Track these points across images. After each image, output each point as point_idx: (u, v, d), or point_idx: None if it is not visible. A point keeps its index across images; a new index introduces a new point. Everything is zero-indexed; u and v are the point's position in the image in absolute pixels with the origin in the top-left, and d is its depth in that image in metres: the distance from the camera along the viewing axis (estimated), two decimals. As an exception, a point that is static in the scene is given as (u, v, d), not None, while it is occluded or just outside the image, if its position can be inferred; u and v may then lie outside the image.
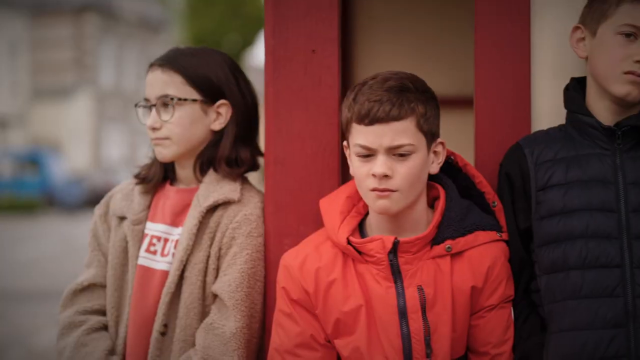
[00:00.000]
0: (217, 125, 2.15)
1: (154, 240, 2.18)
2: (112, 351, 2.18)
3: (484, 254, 1.93)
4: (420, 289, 1.89)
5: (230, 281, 2.04)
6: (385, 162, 1.85)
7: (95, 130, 36.82)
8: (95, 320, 2.22)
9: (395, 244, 1.88)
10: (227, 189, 2.11)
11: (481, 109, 2.08)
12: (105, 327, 2.23)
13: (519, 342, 1.95)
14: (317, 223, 2.04)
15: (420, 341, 1.88)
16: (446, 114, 2.05)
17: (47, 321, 9.29)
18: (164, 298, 2.10)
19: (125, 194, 2.26)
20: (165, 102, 2.15)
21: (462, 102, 3.29)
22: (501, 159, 2.04)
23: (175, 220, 2.17)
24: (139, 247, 2.20)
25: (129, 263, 2.21)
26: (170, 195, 2.20)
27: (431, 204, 1.99)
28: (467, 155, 2.05)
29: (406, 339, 1.88)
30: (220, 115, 2.15)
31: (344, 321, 1.91)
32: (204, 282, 2.09)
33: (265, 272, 2.10)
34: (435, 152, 1.92)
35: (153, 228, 2.20)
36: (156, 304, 2.13)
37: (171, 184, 2.23)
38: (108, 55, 38.32)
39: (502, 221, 1.98)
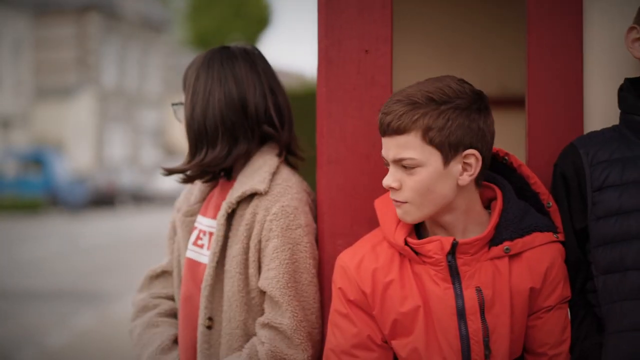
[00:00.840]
0: None
1: (201, 235, 2.20)
2: (177, 340, 2.22)
3: (542, 256, 1.92)
4: (478, 290, 1.88)
5: (278, 277, 2.03)
6: (394, 174, 1.87)
7: (98, 130, 36.83)
8: (168, 305, 2.30)
9: (454, 245, 1.87)
10: (257, 180, 2.10)
11: (533, 110, 2.08)
12: (176, 314, 2.28)
13: (576, 343, 1.95)
14: (371, 223, 2.04)
15: (479, 342, 1.88)
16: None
17: (56, 320, 9.30)
18: (203, 291, 2.12)
19: (190, 188, 2.32)
20: None
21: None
22: (553, 159, 2.03)
23: (216, 213, 2.18)
24: (189, 239, 2.23)
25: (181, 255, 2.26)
26: (218, 189, 2.23)
27: (487, 205, 1.98)
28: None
29: (465, 340, 1.88)
30: None
31: (402, 322, 1.91)
32: (246, 274, 2.09)
33: (319, 271, 2.09)
34: (465, 164, 1.86)
35: (202, 222, 2.22)
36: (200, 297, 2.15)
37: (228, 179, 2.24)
38: (110, 55, 38.32)
39: (557, 222, 1.98)
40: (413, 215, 1.89)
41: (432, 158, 1.84)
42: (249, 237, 2.09)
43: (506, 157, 2.00)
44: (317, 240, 2.11)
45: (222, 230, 2.11)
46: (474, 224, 1.93)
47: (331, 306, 1.99)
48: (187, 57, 44.50)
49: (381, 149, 2.03)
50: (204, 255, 2.17)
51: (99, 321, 9.17)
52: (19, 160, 28.85)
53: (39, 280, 12.45)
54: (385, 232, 1.95)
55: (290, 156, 2.23)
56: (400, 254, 1.93)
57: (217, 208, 2.17)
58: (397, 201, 1.89)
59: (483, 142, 1.86)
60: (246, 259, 2.09)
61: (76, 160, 33.60)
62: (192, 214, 2.24)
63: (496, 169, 2.01)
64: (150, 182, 33.14)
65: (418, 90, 1.85)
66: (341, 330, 1.95)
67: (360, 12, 2.05)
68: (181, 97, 2.24)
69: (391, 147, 1.86)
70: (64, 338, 8.49)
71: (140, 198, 31.95)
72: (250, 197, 2.11)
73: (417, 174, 1.85)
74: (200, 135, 2.13)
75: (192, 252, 2.21)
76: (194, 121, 2.14)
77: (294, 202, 2.08)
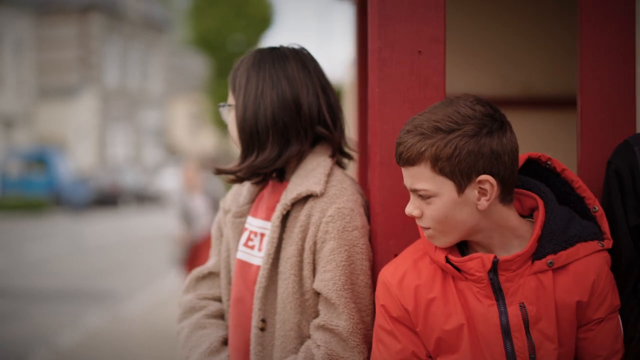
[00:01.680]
0: None
1: (252, 236, 2.19)
2: (226, 341, 2.22)
3: (588, 267, 1.87)
4: (522, 306, 1.84)
5: (335, 279, 2.02)
6: (414, 202, 1.87)
7: (100, 130, 36.82)
8: (216, 307, 2.29)
9: (495, 263, 1.84)
10: (312, 182, 2.09)
11: (586, 110, 2.07)
12: (223, 316, 2.27)
13: (632, 341, 1.92)
14: (423, 224, 2.04)
15: (526, 359, 1.84)
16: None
17: (67, 320, 9.30)
18: (257, 293, 2.10)
19: (237, 189, 2.31)
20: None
21: (504, 103, 3.24)
22: (605, 159, 2.03)
23: (269, 215, 2.17)
24: (239, 240, 2.22)
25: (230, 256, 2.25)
26: (271, 190, 2.21)
27: (529, 214, 1.95)
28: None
29: (511, 357, 1.84)
30: None
31: (446, 340, 1.88)
32: (300, 276, 2.08)
33: (372, 273, 2.08)
34: (481, 189, 1.83)
35: (253, 223, 2.21)
36: (253, 299, 2.14)
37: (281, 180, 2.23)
38: (112, 55, 38.32)
39: (604, 227, 1.93)
40: (439, 240, 1.89)
41: (445, 187, 1.82)
42: (303, 239, 2.08)
43: (549, 162, 1.97)
44: (370, 241, 2.10)
45: (277, 232, 2.09)
46: (513, 238, 1.89)
47: (375, 322, 1.97)
48: (189, 57, 44.48)
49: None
50: (255, 257, 2.16)
51: (109, 321, 9.17)
52: (23, 160, 28.85)
53: (47, 280, 12.45)
54: (426, 248, 1.93)
55: (339, 156, 2.22)
56: (443, 269, 1.91)
57: (269, 209, 2.17)
58: (422, 227, 1.89)
59: (499, 164, 1.81)
60: (300, 261, 2.08)
61: (78, 160, 33.59)
62: (241, 215, 2.24)
63: (539, 174, 1.98)
64: (153, 182, 33.14)
65: (427, 119, 1.82)
66: (386, 346, 1.93)
67: (413, 12, 2.04)
68: (229, 99, 2.23)
69: (407, 178, 1.86)
70: (76, 338, 8.49)
71: (143, 198, 31.96)
72: (305, 198, 2.10)
73: (433, 203, 1.84)
74: (251, 137, 2.12)
75: (242, 254, 2.20)
76: (246, 123, 2.13)
77: (350, 203, 2.07)
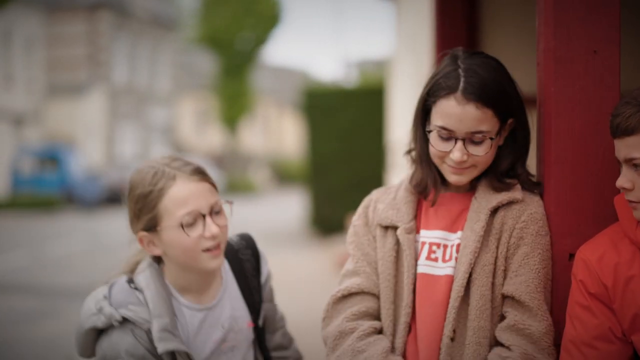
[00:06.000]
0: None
1: (434, 248, 2.17)
2: (391, 349, 2.15)
3: None
4: None
5: (528, 282, 2.04)
6: (626, 174, 1.90)
7: (109, 127, 36.81)
8: (367, 325, 2.17)
9: None
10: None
11: None
12: (378, 331, 2.19)
13: None
14: (598, 223, 2.05)
15: None
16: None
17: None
18: (454, 302, 2.09)
19: (388, 203, 2.26)
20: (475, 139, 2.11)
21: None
22: None
23: (452, 225, 2.17)
24: (414, 256, 2.18)
25: (399, 273, 2.20)
26: (444, 201, 2.20)
27: None
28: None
29: None
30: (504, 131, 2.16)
31: None
32: (493, 283, 2.09)
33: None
34: None
35: (430, 235, 2.19)
36: (443, 310, 2.12)
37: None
38: (121, 52, 38.30)
39: None
40: None
41: None
42: (497, 247, 2.10)
43: None
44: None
45: (481, 242, 2.09)
46: None
47: (570, 298, 2.01)
48: (197, 55, 44.42)
49: (609, 148, 2.04)
50: (440, 268, 2.15)
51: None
52: (35, 157, 28.84)
53: (74, 277, 12.43)
54: (626, 229, 1.96)
55: None
56: None
57: (452, 219, 2.17)
58: (631, 201, 1.91)
59: None
60: (494, 268, 2.09)
61: (87, 157, 33.58)
62: (411, 231, 2.20)
63: None
64: (162, 180, 33.04)
65: None
66: (582, 322, 1.97)
67: (589, 11, 2.05)
68: (487, 125, 2.11)
69: (621, 148, 1.89)
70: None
71: (154, 195, 31.86)
72: (497, 207, 2.12)
73: None
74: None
75: (425, 267, 2.17)
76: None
77: (540, 208, 2.11)
